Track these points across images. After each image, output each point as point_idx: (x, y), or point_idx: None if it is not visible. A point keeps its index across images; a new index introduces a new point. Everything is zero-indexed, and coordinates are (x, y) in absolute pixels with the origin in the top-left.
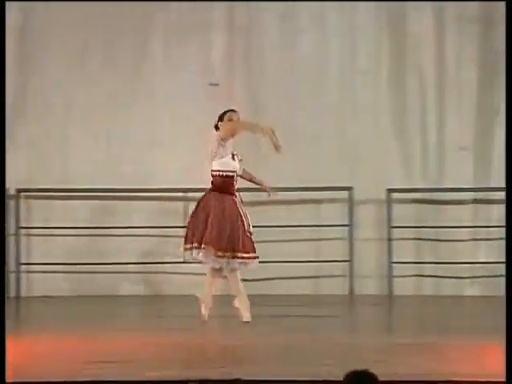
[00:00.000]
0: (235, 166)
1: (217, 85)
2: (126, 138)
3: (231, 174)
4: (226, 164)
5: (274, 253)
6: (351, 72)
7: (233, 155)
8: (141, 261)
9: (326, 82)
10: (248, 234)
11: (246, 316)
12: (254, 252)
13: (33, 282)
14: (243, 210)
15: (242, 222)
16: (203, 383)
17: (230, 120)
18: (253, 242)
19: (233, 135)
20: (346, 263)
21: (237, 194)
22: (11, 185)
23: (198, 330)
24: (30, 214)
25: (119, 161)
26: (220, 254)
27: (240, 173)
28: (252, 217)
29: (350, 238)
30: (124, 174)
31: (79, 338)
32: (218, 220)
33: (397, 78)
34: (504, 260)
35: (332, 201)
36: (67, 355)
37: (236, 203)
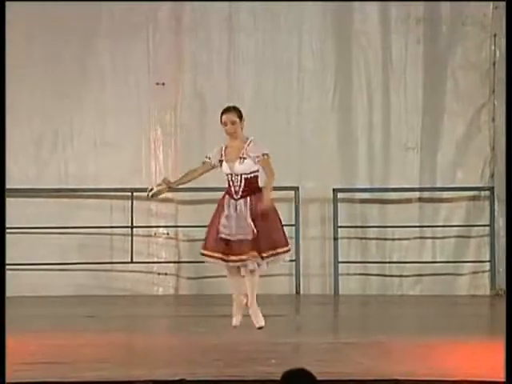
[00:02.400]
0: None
1: (163, 84)
2: (72, 138)
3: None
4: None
5: None
6: (297, 71)
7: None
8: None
9: (273, 81)
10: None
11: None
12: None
13: None
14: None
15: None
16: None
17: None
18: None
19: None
20: (292, 262)
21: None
22: None
23: (136, 329)
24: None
25: (65, 161)
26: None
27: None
28: (199, 217)
29: (296, 238)
30: (70, 175)
31: (19, 339)
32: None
33: (343, 77)
34: (448, 259)
35: (278, 200)
36: (10, 356)
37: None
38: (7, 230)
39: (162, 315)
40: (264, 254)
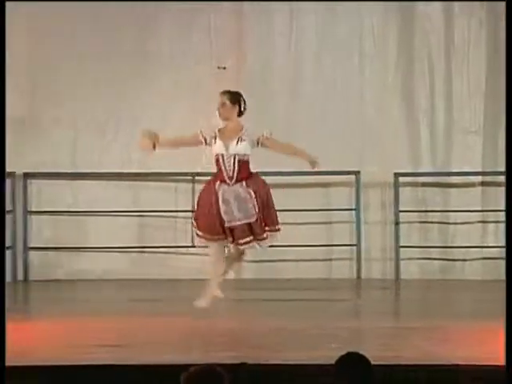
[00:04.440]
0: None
1: (224, 68)
2: (135, 125)
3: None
4: None
5: (282, 236)
6: (359, 55)
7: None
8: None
9: (334, 65)
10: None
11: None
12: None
13: (40, 266)
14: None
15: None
16: (210, 367)
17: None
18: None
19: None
20: (353, 247)
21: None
22: (19, 169)
23: (201, 313)
24: (37, 197)
25: (128, 146)
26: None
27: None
28: None
29: (357, 222)
30: (132, 161)
31: (83, 322)
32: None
33: (404, 61)
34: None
35: (340, 184)
36: (72, 339)
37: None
38: (76, 213)
39: (222, 298)
40: (264, 235)
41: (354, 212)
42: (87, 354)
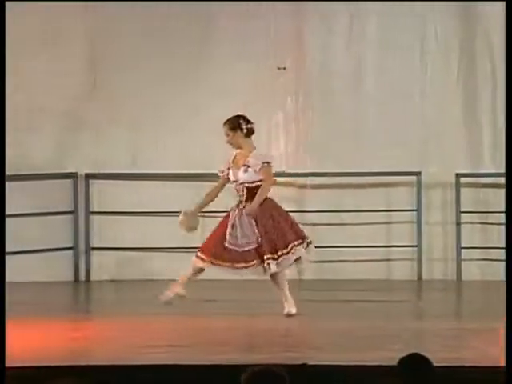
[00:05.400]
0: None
1: (284, 68)
2: (192, 123)
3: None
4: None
5: (342, 237)
6: (420, 53)
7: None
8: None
9: (394, 65)
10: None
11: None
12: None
13: (102, 266)
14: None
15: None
16: (267, 368)
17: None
18: None
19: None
20: (414, 248)
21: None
22: (81, 169)
23: (261, 314)
24: (99, 198)
25: (187, 147)
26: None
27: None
28: (321, 201)
29: (418, 223)
30: (191, 160)
31: (143, 322)
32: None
33: (467, 60)
34: None
35: (401, 185)
36: (131, 339)
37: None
38: (138, 213)
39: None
40: (275, 256)
41: (414, 212)
42: (148, 353)
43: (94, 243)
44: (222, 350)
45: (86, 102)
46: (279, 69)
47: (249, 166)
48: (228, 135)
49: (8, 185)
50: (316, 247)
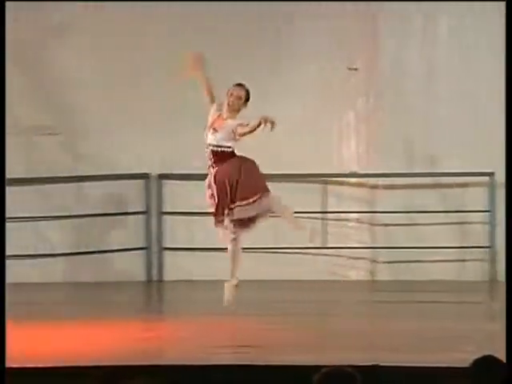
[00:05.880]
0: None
1: (356, 69)
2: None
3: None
4: None
5: (414, 238)
6: (491, 56)
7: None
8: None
9: (464, 68)
10: None
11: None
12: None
13: (174, 266)
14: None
15: None
16: (338, 369)
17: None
18: None
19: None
20: (487, 249)
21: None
22: (153, 170)
23: (330, 314)
24: (172, 199)
25: (258, 146)
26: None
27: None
28: (393, 201)
29: (492, 223)
30: (263, 160)
31: (215, 322)
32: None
33: None
34: None
35: (474, 185)
36: (203, 339)
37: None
38: (210, 214)
39: (356, 300)
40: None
41: (487, 213)
42: (219, 353)
43: (167, 243)
44: (293, 350)
45: (157, 104)
46: (350, 69)
47: (216, 130)
48: (240, 99)
49: (82, 185)
50: (388, 248)
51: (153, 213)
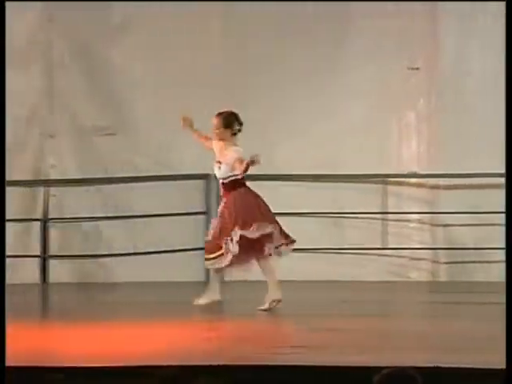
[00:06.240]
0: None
1: (417, 69)
2: (322, 121)
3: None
4: None
5: (475, 238)
6: None
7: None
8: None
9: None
10: None
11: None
12: None
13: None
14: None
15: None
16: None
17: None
18: None
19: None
20: None
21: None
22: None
23: (390, 315)
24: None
25: (316, 147)
26: None
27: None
28: (454, 201)
29: None
30: (318, 161)
31: (278, 322)
32: None
33: None
34: None
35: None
36: (264, 339)
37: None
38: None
39: (417, 301)
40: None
41: None
42: (281, 354)
43: None
44: (353, 351)
45: (217, 105)
46: (411, 69)
47: (220, 163)
48: (218, 129)
49: (143, 185)
50: (449, 249)
51: (213, 213)
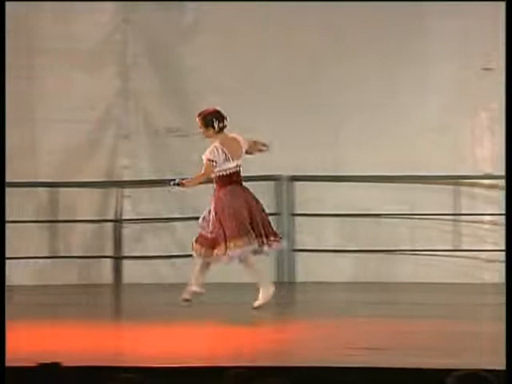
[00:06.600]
0: None
1: (491, 69)
2: (395, 123)
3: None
4: None
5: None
6: None
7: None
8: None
9: None
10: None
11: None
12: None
13: (305, 268)
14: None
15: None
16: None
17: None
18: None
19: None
20: None
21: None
22: (286, 172)
23: (462, 317)
24: (302, 200)
25: (389, 147)
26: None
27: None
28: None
29: None
30: (393, 161)
31: (346, 323)
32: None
33: None
34: None
35: None
36: (334, 341)
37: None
38: (339, 216)
39: (490, 303)
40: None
41: None
42: (349, 355)
43: (298, 245)
44: (424, 353)
45: (289, 104)
46: (485, 69)
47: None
48: (200, 129)
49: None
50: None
51: (284, 214)
